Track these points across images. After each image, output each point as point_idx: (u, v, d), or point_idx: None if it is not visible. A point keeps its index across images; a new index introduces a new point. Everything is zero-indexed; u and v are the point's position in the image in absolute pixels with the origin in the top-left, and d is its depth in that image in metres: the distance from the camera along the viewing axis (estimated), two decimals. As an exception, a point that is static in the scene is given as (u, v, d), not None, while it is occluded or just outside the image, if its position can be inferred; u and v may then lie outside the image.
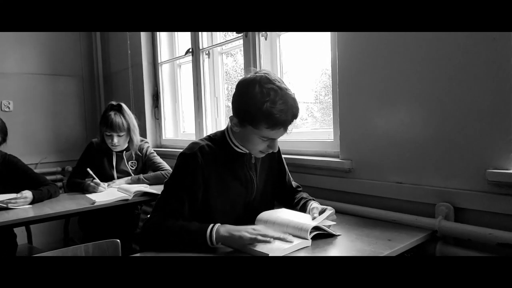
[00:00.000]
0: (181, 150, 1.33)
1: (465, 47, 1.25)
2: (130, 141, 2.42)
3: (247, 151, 1.37)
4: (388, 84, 1.47)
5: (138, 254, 1.18)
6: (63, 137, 3.65)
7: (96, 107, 3.82)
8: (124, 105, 2.39)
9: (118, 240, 1.24)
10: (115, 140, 2.32)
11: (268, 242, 1.12)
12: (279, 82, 1.22)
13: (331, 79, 1.79)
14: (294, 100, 1.23)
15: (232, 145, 1.36)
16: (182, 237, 1.18)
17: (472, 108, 1.25)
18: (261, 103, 1.18)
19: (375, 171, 1.55)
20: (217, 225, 1.18)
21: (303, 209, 1.40)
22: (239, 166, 1.38)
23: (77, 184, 2.31)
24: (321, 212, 1.31)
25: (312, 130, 2.09)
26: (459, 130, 1.29)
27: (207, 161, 1.30)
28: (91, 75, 3.81)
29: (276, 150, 1.33)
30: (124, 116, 2.35)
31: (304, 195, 1.52)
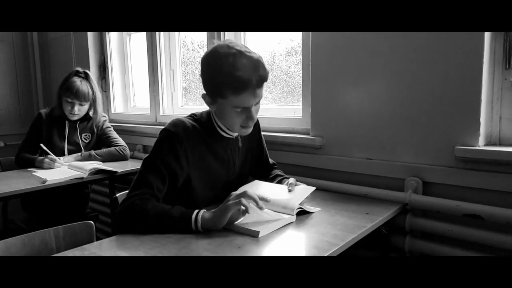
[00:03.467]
0: (162, 126, 1.27)
1: (440, 28, 1.30)
2: (95, 113, 2.28)
3: (233, 135, 1.33)
4: (361, 63, 1.50)
5: (114, 237, 1.10)
6: (-9, 110, 3.28)
7: (30, 77, 3.47)
8: (90, 74, 2.23)
9: (92, 222, 1.14)
10: (76, 108, 2.16)
11: (256, 205, 1.11)
12: (239, 47, 1.17)
13: (301, 57, 1.79)
14: (258, 61, 1.17)
15: (218, 128, 1.31)
16: (164, 222, 1.11)
17: (442, 87, 1.32)
18: (221, 68, 1.14)
19: (345, 148, 1.59)
20: (202, 211, 1.12)
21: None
22: (222, 149, 1.34)
23: (28, 160, 2.11)
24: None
25: (277, 106, 2.09)
26: (429, 109, 1.35)
27: (190, 142, 1.24)
28: (23, 41, 3.42)
29: (255, 120, 1.28)
30: (91, 86, 2.19)
31: (279, 172, 1.52)
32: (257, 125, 1.49)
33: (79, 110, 2.19)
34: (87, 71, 2.24)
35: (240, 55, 1.14)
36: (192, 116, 1.33)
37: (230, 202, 1.09)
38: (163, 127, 1.28)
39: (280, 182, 1.43)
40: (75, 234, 1.12)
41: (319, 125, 1.67)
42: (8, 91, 3.36)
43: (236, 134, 1.34)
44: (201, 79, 1.25)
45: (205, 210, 1.13)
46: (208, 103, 1.26)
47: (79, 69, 2.22)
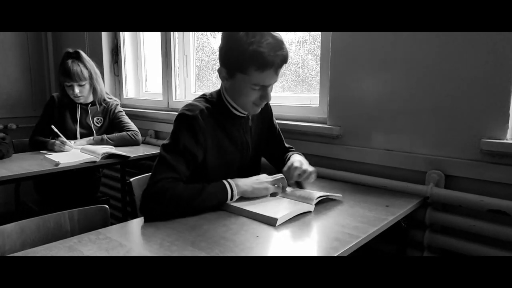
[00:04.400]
0: (177, 112, 1.24)
1: (470, 16, 1.24)
2: (94, 90, 2.24)
3: (245, 114, 1.31)
4: (382, 49, 1.45)
5: (128, 222, 1.08)
6: (4, 93, 3.26)
7: (43, 60, 3.45)
8: (82, 52, 2.20)
9: (107, 206, 1.12)
10: (77, 90, 2.14)
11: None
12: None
13: (320, 46, 1.73)
14: (281, 41, 1.17)
15: (230, 107, 1.30)
16: (198, 201, 1.10)
17: (468, 76, 1.26)
18: (248, 44, 1.13)
19: (364, 138, 1.55)
20: (232, 180, 1.19)
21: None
22: (236, 130, 1.33)
23: (40, 142, 2.12)
24: (302, 174, 1.30)
25: (293, 94, 2.04)
26: (454, 99, 1.30)
27: (207, 125, 1.23)
28: (36, 23, 3.39)
29: (269, 100, 1.28)
30: (83, 63, 2.15)
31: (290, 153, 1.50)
32: (268, 106, 1.49)
33: (81, 92, 2.16)
34: (79, 50, 2.19)
35: (265, 33, 1.14)
36: (204, 97, 1.32)
37: (270, 186, 1.22)
38: (175, 112, 1.26)
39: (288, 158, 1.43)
40: (90, 217, 1.10)
41: (336, 114, 1.62)
42: (20, 74, 3.35)
43: (246, 113, 1.33)
44: (219, 53, 1.24)
45: (231, 179, 1.20)
46: (223, 78, 1.26)
47: (70, 50, 2.18)
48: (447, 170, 1.33)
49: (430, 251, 1.38)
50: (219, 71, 1.25)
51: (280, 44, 1.16)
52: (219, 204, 1.15)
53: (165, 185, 1.09)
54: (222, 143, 1.29)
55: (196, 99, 1.30)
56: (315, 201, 1.18)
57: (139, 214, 1.13)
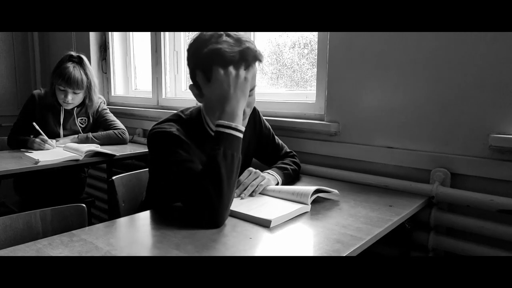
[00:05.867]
0: (164, 110, 1.15)
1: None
2: (90, 101, 2.10)
3: None
4: (384, 43, 1.36)
5: (106, 222, 0.98)
6: (-14, 91, 3.14)
7: (28, 57, 3.32)
8: (85, 58, 2.05)
9: (84, 205, 1.02)
10: (70, 97, 2.00)
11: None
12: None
13: (316, 40, 1.65)
14: (247, 39, 1.07)
15: (208, 127, 1.18)
16: (226, 168, 0.96)
17: (477, 69, 1.18)
18: (206, 46, 1.03)
19: (364, 135, 1.46)
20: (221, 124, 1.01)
21: None
22: None
23: (20, 141, 1.99)
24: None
25: (287, 91, 1.95)
26: (461, 93, 1.22)
27: (184, 143, 1.08)
28: (22, 18, 3.27)
29: (251, 109, 1.16)
30: (85, 71, 2.02)
31: (285, 162, 1.39)
32: (256, 112, 1.38)
33: (73, 99, 2.02)
34: (82, 55, 2.05)
35: (224, 32, 1.06)
36: (179, 116, 1.17)
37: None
38: (165, 110, 1.17)
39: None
40: (65, 218, 1.00)
41: (334, 109, 1.53)
42: (5, 73, 3.23)
43: None
44: (188, 69, 1.13)
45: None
46: (196, 95, 1.13)
47: (73, 53, 2.04)
48: (453, 168, 1.25)
49: (435, 254, 1.29)
50: (191, 88, 1.13)
51: (243, 39, 1.06)
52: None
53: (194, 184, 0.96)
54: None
55: (166, 119, 1.15)
56: (310, 199, 1.08)
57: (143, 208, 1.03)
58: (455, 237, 1.24)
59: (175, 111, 1.22)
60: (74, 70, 1.98)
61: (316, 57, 1.66)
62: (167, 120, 1.14)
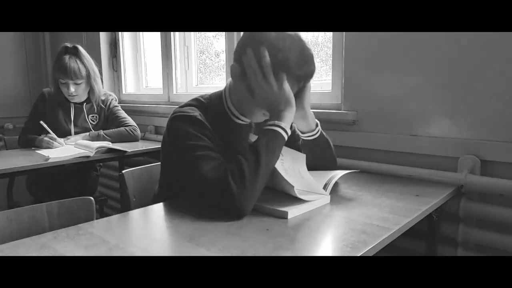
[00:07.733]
0: (175, 106, 1.09)
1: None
2: (91, 90, 2.07)
3: (248, 121, 1.13)
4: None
5: (114, 216, 0.93)
6: (0, 92, 3.14)
7: (40, 56, 3.32)
8: (81, 48, 2.02)
9: (91, 198, 0.97)
10: (72, 88, 1.97)
11: None
12: None
13: (324, 39, 1.58)
14: (311, 56, 1.03)
15: (230, 114, 1.11)
16: (264, 159, 0.92)
17: (505, 48, 1.10)
18: (280, 51, 0.97)
19: (384, 123, 1.38)
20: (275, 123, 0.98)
21: None
22: (236, 142, 1.12)
23: (30, 140, 1.97)
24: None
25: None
26: (490, 73, 1.13)
27: (207, 128, 1.03)
28: (33, 19, 3.28)
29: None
30: (81, 61, 1.99)
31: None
32: None
33: (76, 91, 2.00)
34: (77, 45, 2.02)
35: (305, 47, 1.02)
36: (199, 102, 1.10)
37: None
38: (176, 106, 1.09)
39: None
40: (72, 211, 0.95)
41: (352, 97, 1.46)
42: (18, 73, 3.23)
43: (249, 120, 1.13)
44: (237, 47, 1.05)
45: None
46: (235, 77, 1.04)
47: (68, 44, 2.00)
48: (483, 155, 1.16)
49: (464, 248, 1.20)
50: (233, 68, 1.04)
51: (310, 58, 1.02)
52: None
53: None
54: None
55: (187, 105, 1.09)
56: (329, 189, 1.01)
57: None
58: (487, 229, 1.16)
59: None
60: (70, 60, 1.95)
61: (331, 51, 1.59)
62: (188, 105, 1.09)
